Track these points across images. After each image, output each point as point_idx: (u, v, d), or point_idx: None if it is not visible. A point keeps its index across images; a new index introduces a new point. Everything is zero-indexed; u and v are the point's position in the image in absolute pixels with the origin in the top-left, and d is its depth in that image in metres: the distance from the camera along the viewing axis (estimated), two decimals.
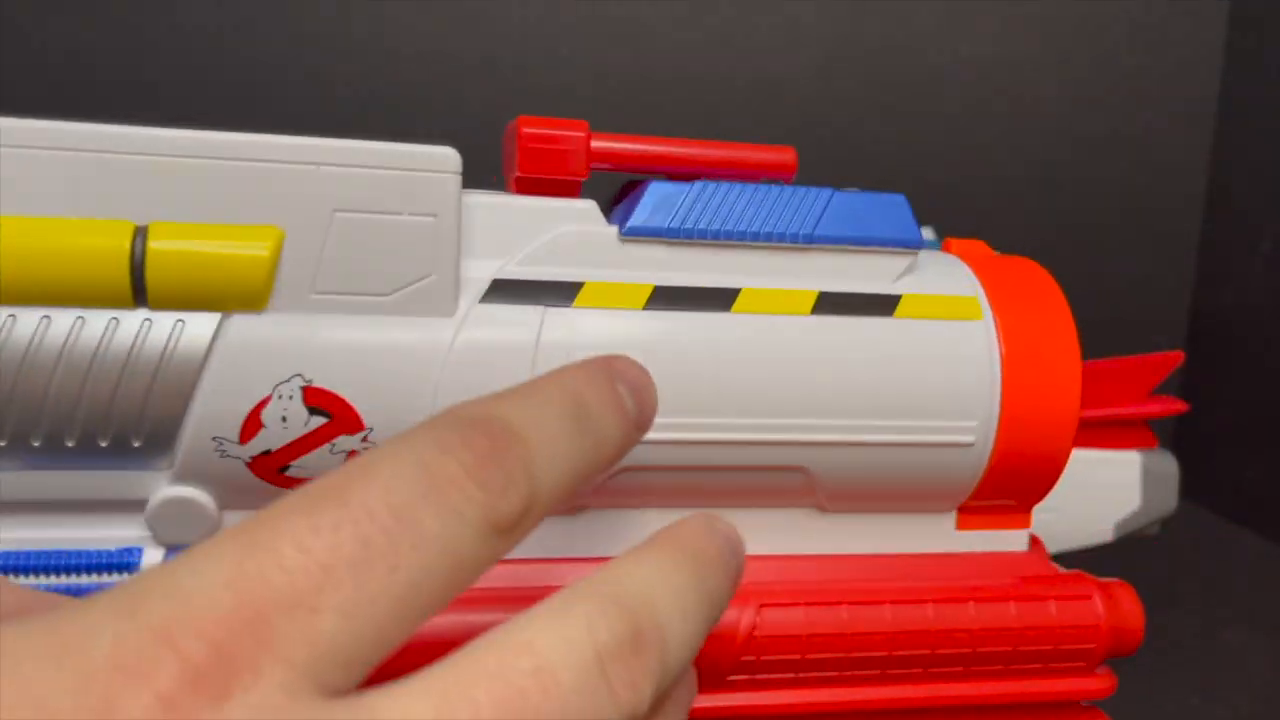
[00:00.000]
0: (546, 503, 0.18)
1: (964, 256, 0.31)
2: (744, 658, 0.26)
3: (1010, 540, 0.30)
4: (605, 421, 0.20)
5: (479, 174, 0.71)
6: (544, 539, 0.27)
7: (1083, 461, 0.43)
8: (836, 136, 0.66)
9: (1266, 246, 0.63)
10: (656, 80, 0.65)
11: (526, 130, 0.27)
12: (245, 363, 0.23)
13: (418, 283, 0.25)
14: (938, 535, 0.29)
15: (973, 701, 0.28)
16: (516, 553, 0.25)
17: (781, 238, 0.28)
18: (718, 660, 0.26)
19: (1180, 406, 0.44)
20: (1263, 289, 0.64)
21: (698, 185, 0.28)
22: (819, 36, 0.66)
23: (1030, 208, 0.68)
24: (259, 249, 0.23)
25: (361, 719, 0.15)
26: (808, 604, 0.27)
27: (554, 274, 0.26)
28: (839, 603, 0.27)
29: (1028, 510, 0.30)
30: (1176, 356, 0.43)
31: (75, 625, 0.14)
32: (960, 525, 0.30)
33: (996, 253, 0.32)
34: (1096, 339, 0.53)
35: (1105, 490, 0.44)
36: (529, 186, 0.28)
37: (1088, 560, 0.50)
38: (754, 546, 0.28)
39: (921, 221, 0.51)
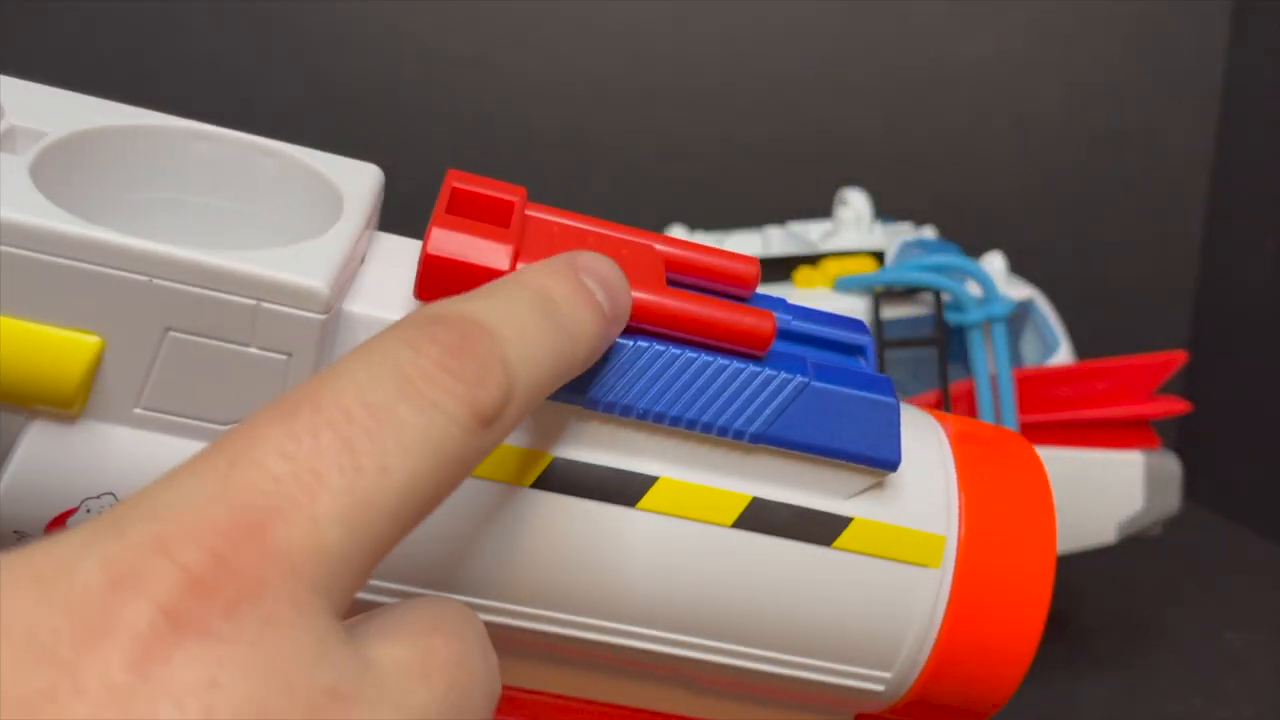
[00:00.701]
0: (526, 395, 0.17)
1: (959, 453, 0.25)
2: None
3: None
4: (576, 314, 0.19)
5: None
6: None
7: (1085, 462, 0.43)
8: (837, 136, 0.66)
9: (1270, 246, 0.63)
10: (656, 80, 0.65)
11: (431, 253, 0.21)
12: (51, 469, 0.21)
13: None
14: None
15: None
16: None
17: (724, 431, 0.22)
18: None
19: (1183, 407, 0.44)
20: (1266, 289, 0.64)
21: (638, 345, 0.22)
22: (819, 36, 0.65)
23: (1032, 207, 0.68)
24: (71, 353, 0.20)
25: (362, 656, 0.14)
26: None
27: None
28: None
29: None
30: (1179, 356, 0.43)
31: (55, 552, 0.13)
32: None
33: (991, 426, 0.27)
34: (1099, 339, 0.53)
35: (1108, 490, 0.44)
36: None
37: (1090, 560, 0.50)
38: (628, 699, 0.25)
39: (921, 221, 0.51)
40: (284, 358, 0.21)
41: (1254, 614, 0.52)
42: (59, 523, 0.21)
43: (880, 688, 0.24)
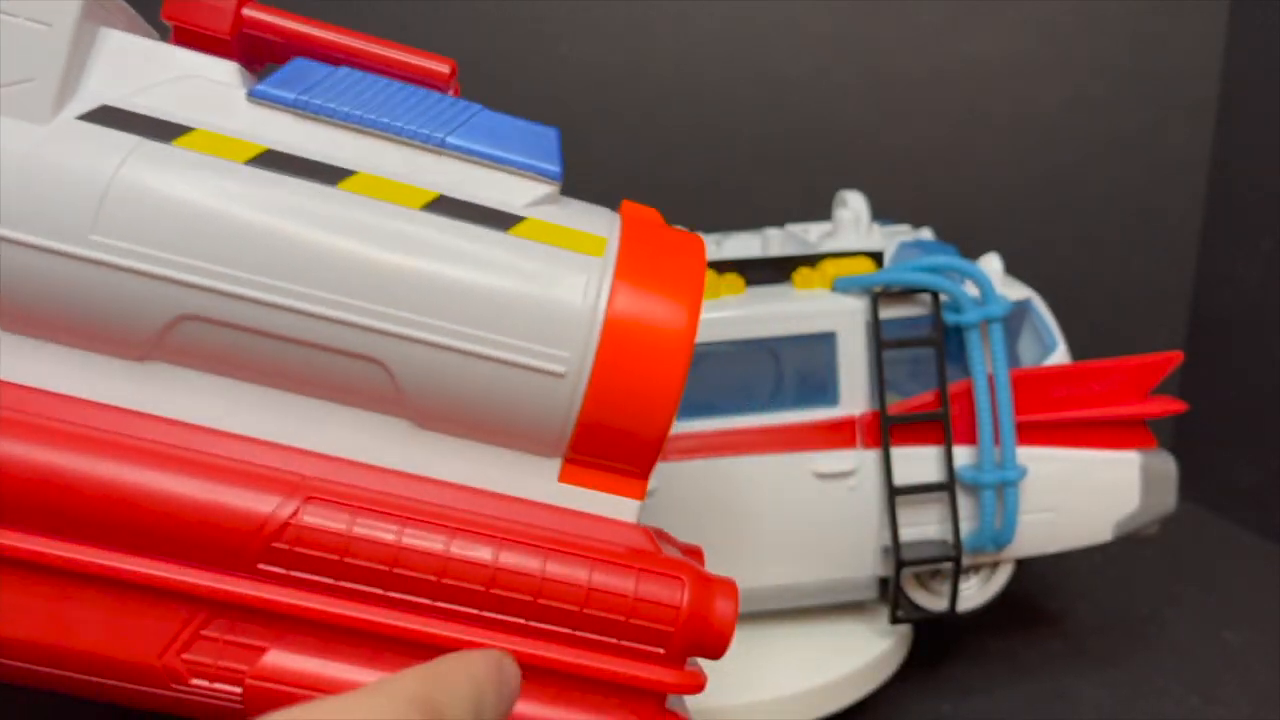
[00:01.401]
0: None
1: (627, 217, 0.30)
2: (275, 544, 0.25)
3: (614, 506, 0.28)
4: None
5: None
6: (111, 383, 0.26)
7: (1082, 461, 0.43)
8: (836, 136, 0.66)
9: (1267, 246, 0.64)
10: (656, 80, 0.65)
11: None
12: None
13: (16, 85, 0.25)
14: (536, 482, 0.28)
15: (530, 661, 0.26)
16: (83, 391, 0.25)
17: (414, 135, 0.28)
18: (247, 542, 0.25)
19: (1179, 406, 0.44)
20: (1263, 289, 0.64)
21: (342, 70, 0.28)
22: (819, 36, 0.66)
23: (1030, 208, 0.68)
24: None
25: None
26: (358, 509, 0.26)
27: (167, 113, 0.26)
28: (392, 516, 0.26)
29: (641, 478, 0.28)
30: (1176, 356, 0.43)
31: None
32: (564, 477, 0.28)
33: (675, 227, 0.31)
34: (1096, 338, 0.53)
35: (1104, 490, 0.44)
36: (184, 38, 0.28)
37: (1086, 559, 0.50)
38: (334, 447, 0.27)
39: (919, 223, 0.51)
40: (44, 27, 0.25)
41: (1251, 613, 0.52)
42: None
43: (560, 368, 0.27)
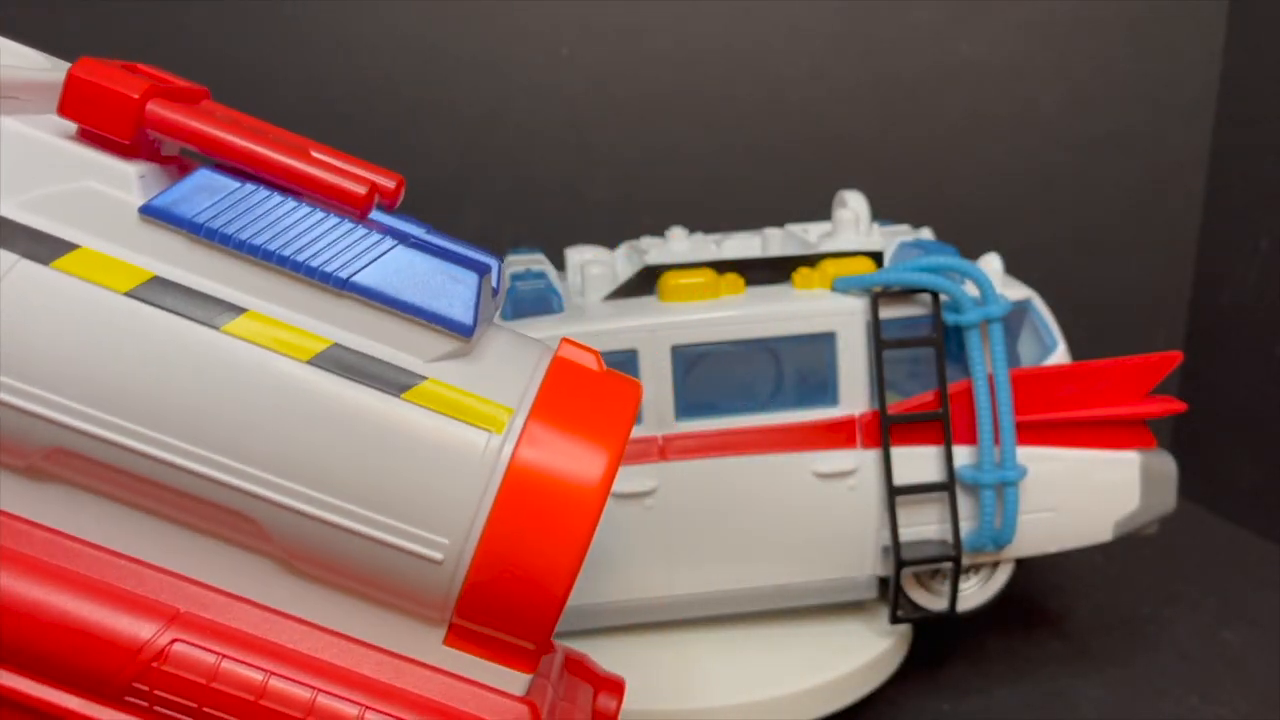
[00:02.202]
0: None
1: (557, 362, 0.27)
2: (137, 684, 0.24)
3: (500, 677, 0.26)
4: None
5: (479, 174, 0.71)
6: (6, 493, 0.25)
7: (1081, 461, 0.43)
8: (836, 136, 0.66)
9: (1265, 246, 0.64)
10: (656, 81, 0.65)
11: (76, 74, 0.24)
12: None
13: None
14: (418, 640, 0.26)
15: None
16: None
17: (312, 272, 0.25)
18: (115, 671, 0.24)
19: (1179, 406, 0.44)
20: (1262, 289, 0.64)
21: (247, 187, 0.25)
22: (817, 38, 0.66)
23: (1029, 207, 0.68)
24: None
25: None
26: (228, 652, 0.24)
27: (52, 229, 0.24)
28: (262, 663, 0.24)
29: (534, 651, 0.26)
30: (1175, 356, 0.43)
31: None
32: (449, 641, 0.26)
33: (605, 367, 0.28)
34: (1095, 339, 0.53)
35: (1103, 490, 0.44)
36: (89, 135, 0.25)
37: (1086, 559, 0.50)
38: (211, 575, 0.25)
39: (919, 223, 0.51)
40: None
41: (1251, 613, 0.52)
42: None
43: (438, 555, 0.24)
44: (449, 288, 0.25)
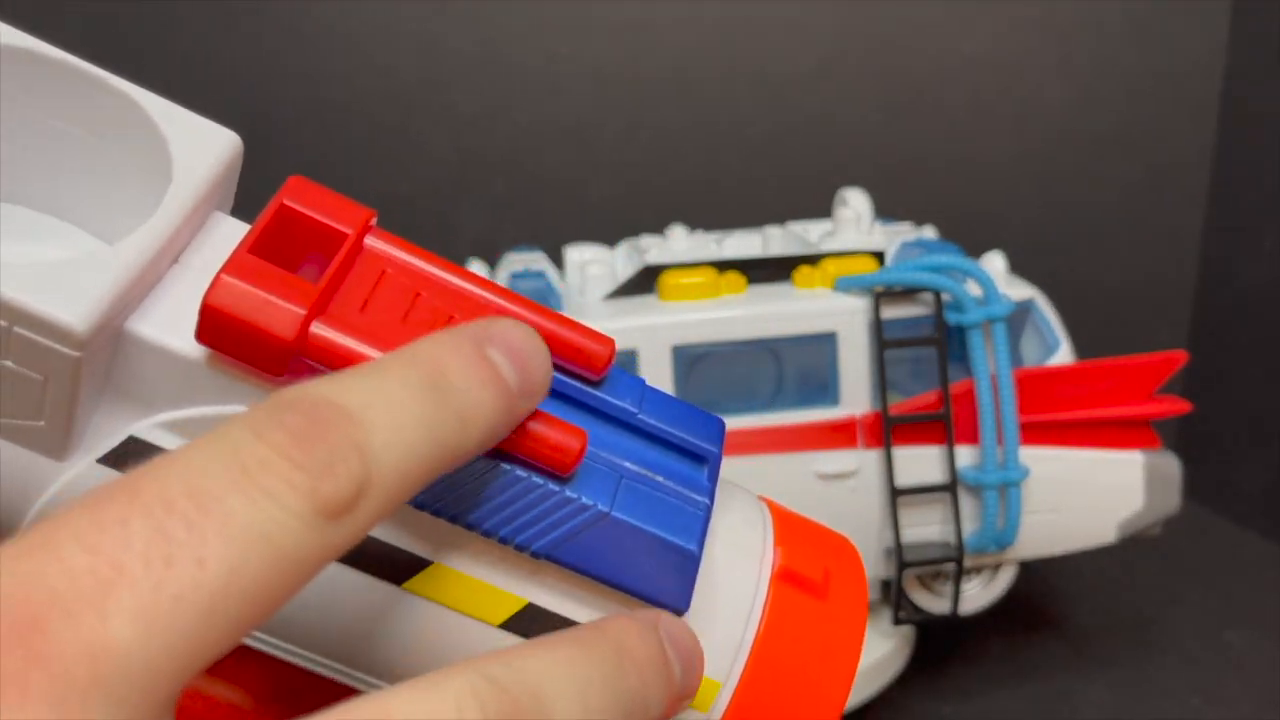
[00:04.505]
0: (390, 486, 0.16)
1: (780, 600, 0.23)
2: None
3: None
4: (471, 393, 0.17)
5: (478, 173, 0.71)
6: None
7: (1085, 461, 0.43)
8: (837, 136, 0.66)
9: (1270, 245, 0.63)
10: (656, 80, 0.65)
11: (210, 304, 0.19)
12: None
13: (24, 421, 0.20)
14: None
15: None
16: None
17: (507, 542, 0.21)
18: None
19: (1183, 407, 0.44)
20: (1266, 288, 0.64)
21: None
22: (819, 34, 0.65)
23: (1032, 206, 0.68)
24: None
25: None
26: None
27: None
28: None
29: None
30: (1180, 356, 0.43)
31: None
32: None
33: (829, 578, 0.24)
34: (1099, 339, 0.53)
35: (1108, 490, 0.44)
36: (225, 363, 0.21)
37: (1089, 560, 0.50)
38: None
39: (921, 221, 0.51)
40: (39, 379, 0.19)
41: (1254, 614, 0.52)
42: None
43: None
44: (663, 563, 0.21)
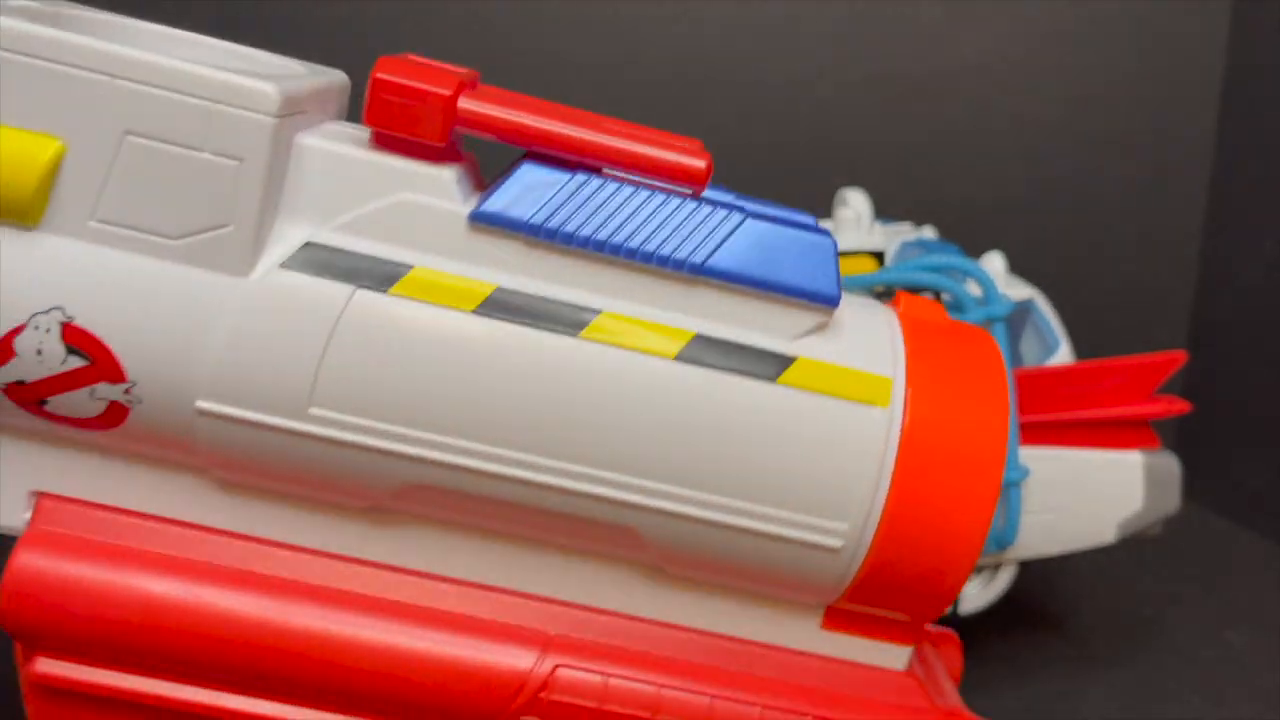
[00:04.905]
0: None
1: (907, 321, 0.26)
2: (540, 695, 0.23)
3: (882, 653, 0.25)
4: None
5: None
6: (341, 537, 0.24)
7: (1085, 462, 0.43)
8: (837, 136, 0.66)
9: (1269, 245, 0.63)
10: (655, 81, 0.65)
11: (380, 76, 0.22)
12: (3, 282, 0.21)
13: (212, 231, 0.22)
14: (796, 628, 0.25)
15: None
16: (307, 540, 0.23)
17: (664, 261, 0.23)
18: (500, 708, 0.22)
19: (1183, 407, 0.44)
20: (1265, 288, 0.64)
21: (578, 177, 0.23)
22: (819, 36, 0.65)
23: (1032, 207, 0.68)
24: (32, 156, 0.21)
25: None
26: (612, 670, 0.23)
27: (378, 250, 0.23)
28: (650, 676, 0.23)
29: (918, 626, 0.25)
30: (1179, 356, 0.43)
31: None
32: (827, 623, 0.25)
33: (951, 319, 0.27)
34: (1099, 339, 0.53)
35: (1107, 490, 0.44)
36: (387, 140, 0.23)
37: (1089, 560, 0.50)
38: (574, 593, 0.24)
39: (921, 221, 0.51)
40: (236, 163, 0.21)
41: (1254, 614, 0.52)
42: (6, 345, 0.22)
43: (837, 542, 0.23)
44: (807, 257, 0.23)
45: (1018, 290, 0.44)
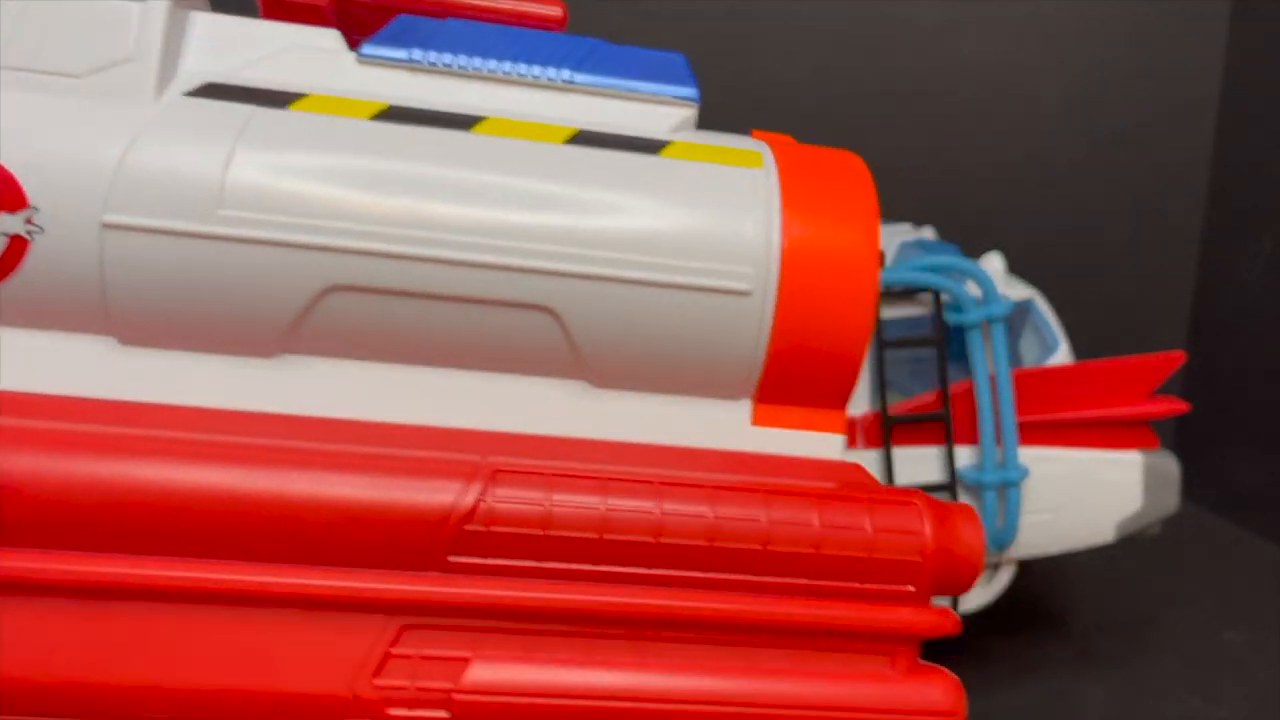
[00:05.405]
0: None
1: (764, 137, 0.29)
2: (468, 529, 0.22)
3: (816, 444, 0.26)
4: None
5: None
6: (249, 387, 0.24)
7: (1084, 461, 0.43)
8: (837, 136, 0.66)
9: (1268, 246, 0.63)
10: None
11: None
12: None
13: (115, 67, 0.24)
14: (729, 429, 0.25)
15: (768, 621, 0.23)
16: (201, 401, 0.23)
17: (537, 76, 0.27)
18: (435, 534, 0.22)
19: (1182, 407, 0.44)
20: (1264, 289, 0.64)
21: (450, 21, 0.27)
22: (819, 37, 0.65)
23: (1031, 206, 0.68)
24: None
25: None
26: (550, 480, 0.22)
27: (275, 84, 0.25)
28: (589, 483, 0.23)
29: (839, 408, 0.26)
30: (1178, 356, 0.43)
31: None
32: (757, 420, 0.26)
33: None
34: (1098, 338, 0.53)
35: (1106, 490, 0.44)
36: (276, 13, 0.27)
37: (1088, 560, 0.50)
38: (506, 423, 0.25)
39: (921, 222, 0.51)
40: (139, 3, 0.24)
41: (1253, 613, 0.52)
42: None
43: (744, 285, 0.24)
44: (662, 65, 0.27)
45: (1017, 290, 0.45)
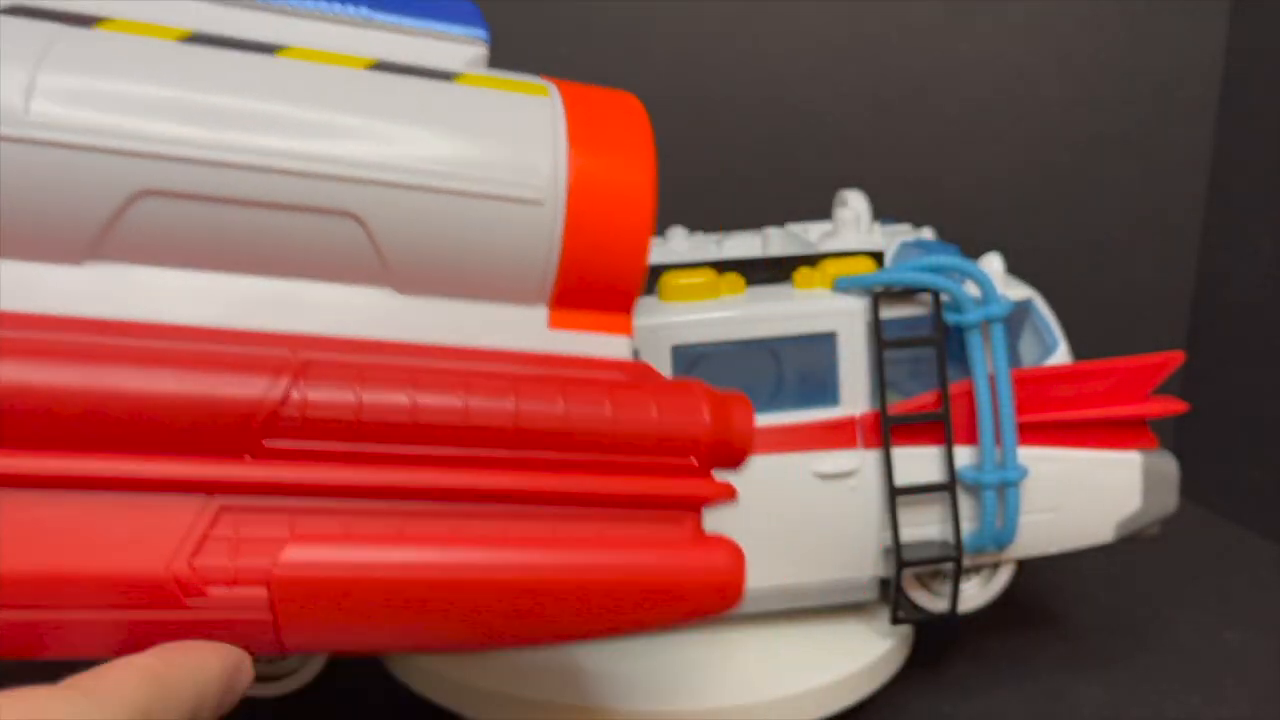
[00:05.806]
0: None
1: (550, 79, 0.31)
2: (281, 413, 0.23)
3: (606, 345, 0.29)
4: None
5: None
6: (47, 289, 0.24)
7: (1083, 461, 0.43)
8: (837, 136, 0.66)
9: (1267, 246, 0.63)
10: (656, 80, 0.65)
11: None
12: None
13: None
14: (529, 331, 0.28)
15: (568, 497, 0.26)
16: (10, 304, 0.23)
17: (335, 11, 0.28)
18: (246, 421, 0.23)
19: (1181, 407, 0.44)
20: (1263, 288, 0.64)
21: None
22: (819, 36, 0.66)
23: (1030, 207, 0.68)
24: None
25: None
26: (359, 375, 0.24)
27: (79, 8, 0.25)
28: (396, 377, 0.24)
29: (626, 312, 0.29)
30: (1177, 356, 0.43)
31: None
32: (553, 324, 0.28)
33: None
34: (1097, 338, 0.53)
35: (1105, 490, 0.44)
36: None
37: (1087, 559, 0.50)
38: (312, 328, 0.26)
39: (920, 222, 0.51)
40: None
41: (1252, 613, 0.52)
42: None
43: (536, 195, 0.27)
44: (450, 6, 0.29)
45: (1016, 290, 0.45)
